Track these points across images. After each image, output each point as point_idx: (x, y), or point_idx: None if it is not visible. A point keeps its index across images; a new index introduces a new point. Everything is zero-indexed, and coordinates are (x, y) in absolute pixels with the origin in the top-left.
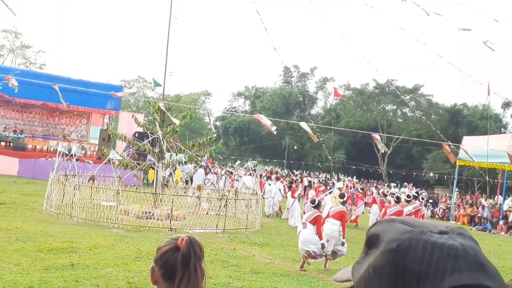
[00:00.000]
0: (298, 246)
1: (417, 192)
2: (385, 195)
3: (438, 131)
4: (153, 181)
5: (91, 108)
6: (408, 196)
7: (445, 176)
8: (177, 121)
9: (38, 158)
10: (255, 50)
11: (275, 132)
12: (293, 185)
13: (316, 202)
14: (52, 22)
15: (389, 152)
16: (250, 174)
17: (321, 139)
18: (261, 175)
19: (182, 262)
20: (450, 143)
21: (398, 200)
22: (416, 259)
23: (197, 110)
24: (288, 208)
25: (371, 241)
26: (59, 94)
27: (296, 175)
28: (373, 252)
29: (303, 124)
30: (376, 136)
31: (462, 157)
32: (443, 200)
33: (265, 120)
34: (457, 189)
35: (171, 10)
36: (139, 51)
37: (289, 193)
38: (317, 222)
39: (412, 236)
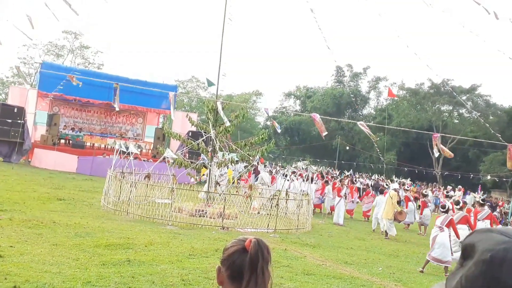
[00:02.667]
0: (431, 248)
1: (483, 200)
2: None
3: (496, 133)
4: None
5: (147, 107)
6: (443, 206)
7: (503, 179)
8: (227, 122)
9: (96, 156)
10: (307, 50)
11: (323, 136)
12: (339, 185)
13: (446, 207)
14: (110, 23)
15: (445, 155)
16: (270, 171)
17: (373, 140)
18: (270, 171)
19: (250, 264)
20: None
21: (483, 204)
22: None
23: (249, 110)
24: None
25: (466, 252)
26: (117, 94)
27: (347, 176)
28: (468, 263)
29: (360, 124)
30: (437, 136)
31: None
32: (500, 204)
33: (319, 121)
34: None
35: (225, 10)
36: (193, 52)
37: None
38: (451, 224)
39: (508, 247)
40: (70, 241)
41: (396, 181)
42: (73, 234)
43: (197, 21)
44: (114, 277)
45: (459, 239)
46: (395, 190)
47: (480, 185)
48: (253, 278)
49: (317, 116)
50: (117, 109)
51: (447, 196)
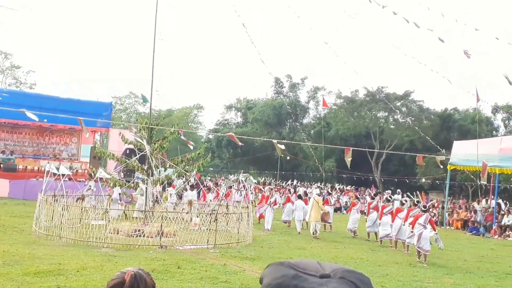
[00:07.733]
0: (418, 241)
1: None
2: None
3: (427, 137)
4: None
5: (80, 126)
6: (424, 206)
7: (438, 181)
8: (148, 149)
9: (28, 179)
10: (246, 62)
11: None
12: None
13: (427, 207)
14: (42, 42)
15: (352, 162)
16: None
17: (280, 154)
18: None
19: None
20: (433, 155)
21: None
22: None
23: (189, 124)
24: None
25: (260, 284)
26: (31, 115)
27: (288, 184)
28: None
29: (275, 142)
30: (349, 149)
31: (453, 161)
32: (436, 205)
33: (236, 139)
34: (449, 196)
35: (155, 30)
36: (130, 67)
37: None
38: (430, 222)
39: (282, 282)
40: None
41: (317, 187)
42: (0, 263)
43: (130, 35)
44: None
45: (435, 231)
46: (318, 195)
47: (404, 189)
48: None
49: (233, 136)
50: (38, 120)
51: (388, 200)
